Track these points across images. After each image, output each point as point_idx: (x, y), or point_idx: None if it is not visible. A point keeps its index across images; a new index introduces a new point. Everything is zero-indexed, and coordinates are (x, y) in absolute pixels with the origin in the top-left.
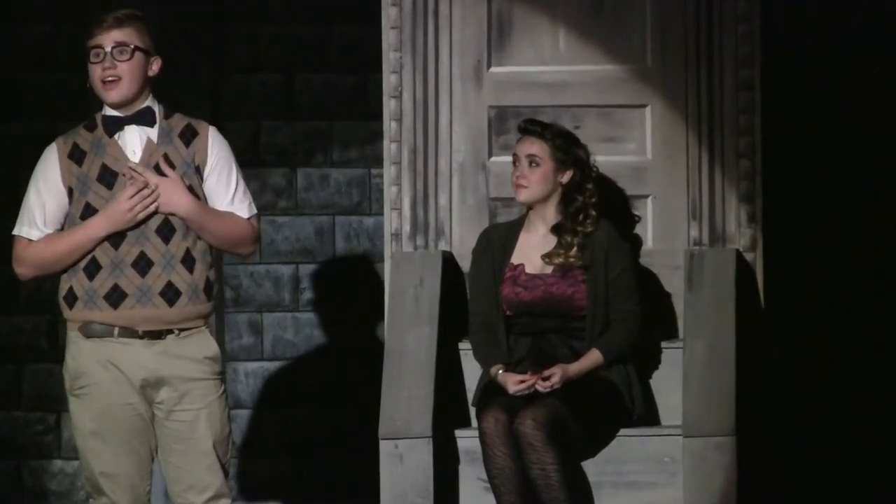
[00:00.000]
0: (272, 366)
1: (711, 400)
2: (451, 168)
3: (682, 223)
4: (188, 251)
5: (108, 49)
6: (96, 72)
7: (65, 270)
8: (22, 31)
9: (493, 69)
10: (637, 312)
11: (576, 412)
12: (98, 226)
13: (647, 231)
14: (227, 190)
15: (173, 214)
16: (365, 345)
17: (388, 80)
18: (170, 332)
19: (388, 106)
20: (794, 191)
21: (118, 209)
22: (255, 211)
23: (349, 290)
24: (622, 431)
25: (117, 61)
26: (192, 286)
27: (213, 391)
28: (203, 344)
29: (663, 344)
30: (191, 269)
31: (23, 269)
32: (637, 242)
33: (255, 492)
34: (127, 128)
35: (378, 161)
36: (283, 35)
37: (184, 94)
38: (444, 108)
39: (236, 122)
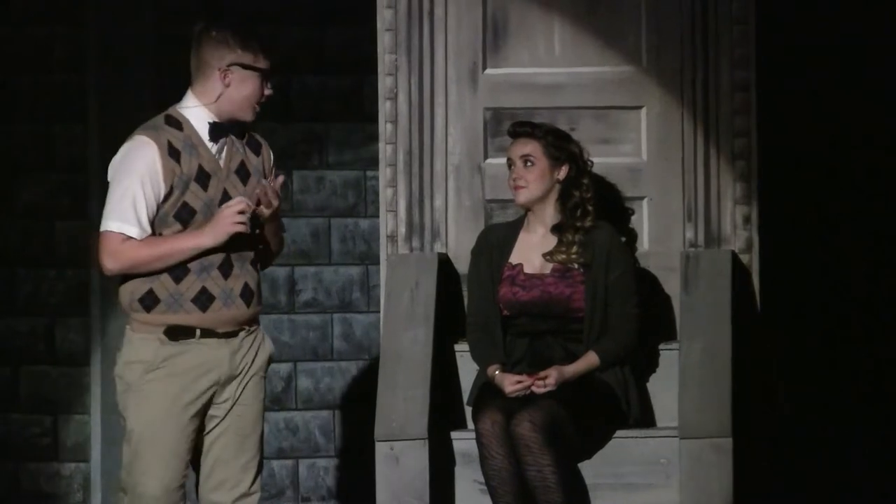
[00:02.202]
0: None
1: (708, 401)
2: (447, 170)
3: (677, 225)
4: (255, 253)
5: (265, 68)
6: (260, 91)
7: (152, 273)
8: (19, 32)
9: (489, 71)
10: (635, 315)
11: (572, 414)
12: (204, 240)
13: (643, 233)
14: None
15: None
16: (361, 347)
17: (384, 83)
18: (241, 330)
19: (384, 108)
20: (791, 192)
21: (225, 225)
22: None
23: (344, 292)
24: (618, 433)
25: (269, 90)
26: (259, 286)
27: (263, 390)
28: (265, 344)
29: (660, 345)
30: (256, 271)
31: (114, 265)
32: (633, 244)
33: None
34: None
35: (374, 163)
36: (278, 37)
37: (180, 96)
38: (440, 110)
39: None
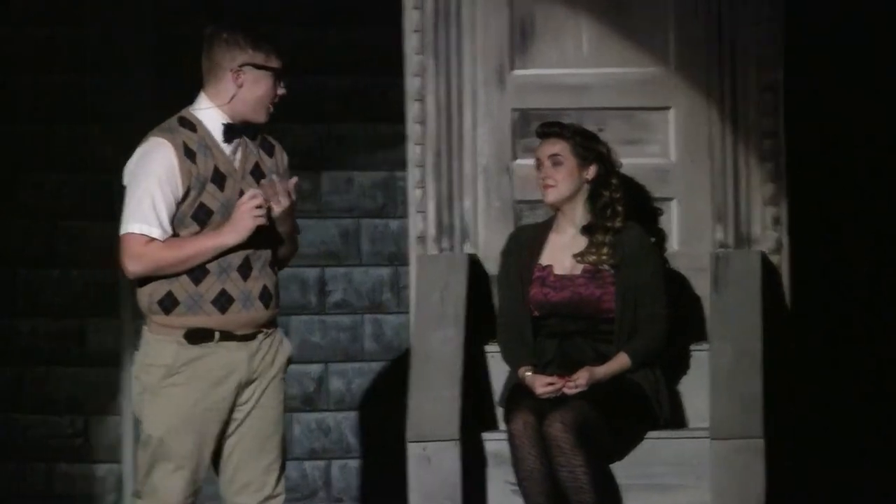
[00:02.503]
0: (299, 369)
1: (739, 402)
2: (476, 171)
3: (706, 226)
4: (273, 255)
5: (277, 68)
6: (273, 91)
7: (174, 275)
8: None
9: (516, 72)
10: (664, 316)
11: (603, 414)
12: (227, 238)
13: (672, 233)
14: None
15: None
16: (391, 347)
17: (412, 84)
18: (259, 332)
19: (412, 109)
20: (820, 193)
21: (245, 220)
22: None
23: (375, 293)
24: (650, 434)
25: (282, 90)
26: (277, 288)
27: (283, 391)
28: (284, 345)
29: (690, 346)
30: (274, 273)
31: (137, 267)
32: (662, 245)
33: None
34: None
35: (402, 164)
36: (306, 38)
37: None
38: (468, 111)
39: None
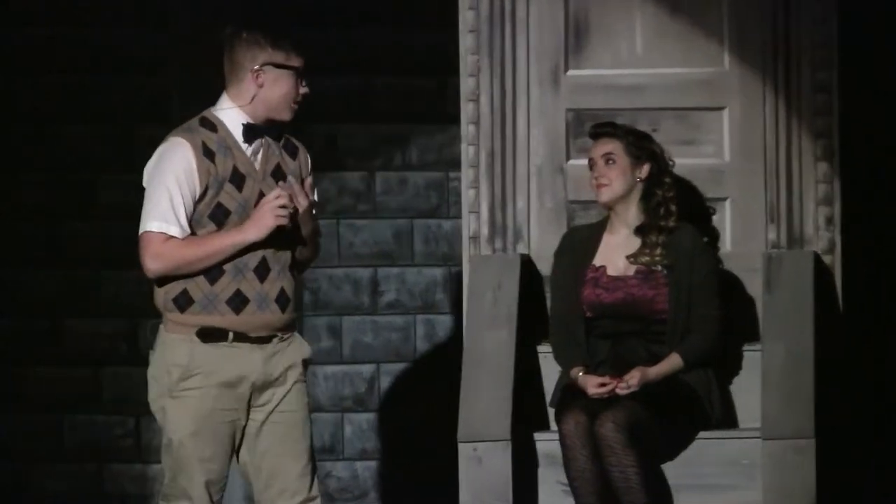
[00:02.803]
0: (351, 369)
1: (791, 402)
2: (529, 171)
3: (759, 226)
4: (293, 259)
5: (298, 66)
6: (295, 90)
7: (193, 274)
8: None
9: (571, 72)
10: (718, 317)
11: (655, 415)
12: (247, 234)
13: (725, 234)
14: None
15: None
16: (443, 348)
17: (466, 84)
18: (274, 336)
19: (466, 109)
20: (875, 194)
21: (267, 219)
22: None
23: (427, 293)
24: (701, 434)
25: (304, 88)
26: (296, 293)
27: (306, 394)
28: (301, 346)
29: (742, 347)
30: (294, 277)
31: (158, 265)
32: (715, 245)
33: (335, 495)
34: None
35: (456, 164)
36: (360, 38)
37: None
38: (522, 112)
39: (315, 125)
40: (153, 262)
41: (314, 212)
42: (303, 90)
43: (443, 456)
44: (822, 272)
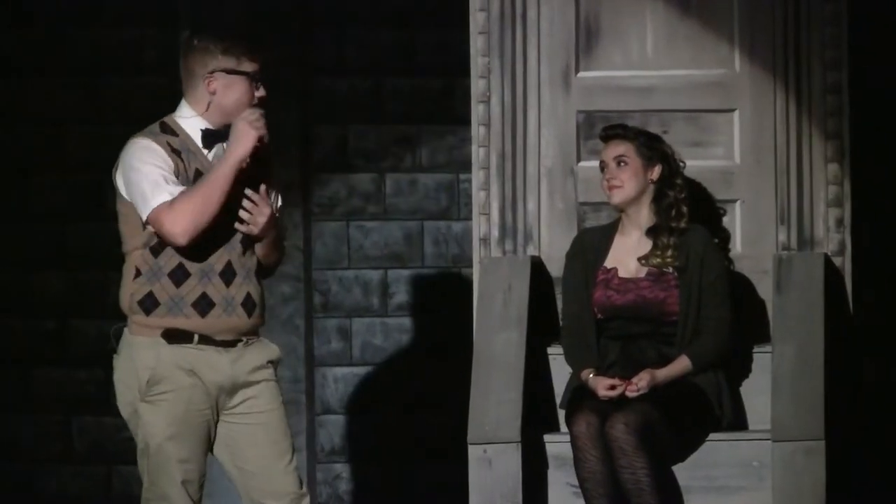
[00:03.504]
0: (361, 371)
1: (801, 404)
2: (540, 173)
3: (770, 227)
4: (259, 264)
5: (250, 71)
6: (249, 94)
7: (214, 218)
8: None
9: (582, 74)
10: (728, 319)
11: (666, 416)
12: (236, 152)
13: (736, 235)
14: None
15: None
16: (453, 350)
17: (476, 85)
18: (239, 340)
19: (477, 111)
20: (886, 195)
21: (248, 131)
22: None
23: (438, 294)
24: (711, 436)
25: (260, 92)
26: (261, 298)
27: (279, 393)
28: (266, 348)
29: (753, 348)
30: (259, 282)
31: (178, 228)
32: (725, 247)
33: (344, 497)
34: None
35: (466, 166)
36: (370, 39)
37: (272, 98)
38: (533, 113)
39: (324, 127)
40: (174, 226)
41: (277, 216)
42: (258, 94)
43: (453, 458)
44: (832, 274)
